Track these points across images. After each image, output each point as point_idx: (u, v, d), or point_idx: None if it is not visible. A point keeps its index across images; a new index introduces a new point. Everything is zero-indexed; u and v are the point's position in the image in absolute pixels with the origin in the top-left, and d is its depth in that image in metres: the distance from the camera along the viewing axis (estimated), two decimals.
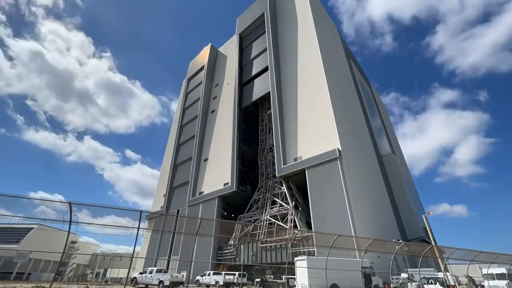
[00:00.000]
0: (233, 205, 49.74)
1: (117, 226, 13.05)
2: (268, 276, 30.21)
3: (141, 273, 24.82)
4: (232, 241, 39.00)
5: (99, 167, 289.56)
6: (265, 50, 53.18)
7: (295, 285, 20.65)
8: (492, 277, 25.68)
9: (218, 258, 39.92)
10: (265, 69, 51.44)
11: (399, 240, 26.89)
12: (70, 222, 11.52)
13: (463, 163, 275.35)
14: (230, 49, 67.78)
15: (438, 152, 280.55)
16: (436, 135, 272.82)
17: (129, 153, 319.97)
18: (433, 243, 27.01)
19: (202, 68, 72.55)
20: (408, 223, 42.28)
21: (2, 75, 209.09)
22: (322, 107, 37.65)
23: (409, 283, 21.44)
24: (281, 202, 38.74)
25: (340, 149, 32.53)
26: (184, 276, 23.83)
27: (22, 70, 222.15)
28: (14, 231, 56.65)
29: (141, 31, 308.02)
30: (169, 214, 53.39)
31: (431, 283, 20.79)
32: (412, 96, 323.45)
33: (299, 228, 33.09)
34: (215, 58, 74.00)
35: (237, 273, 26.44)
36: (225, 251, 39.85)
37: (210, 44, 75.30)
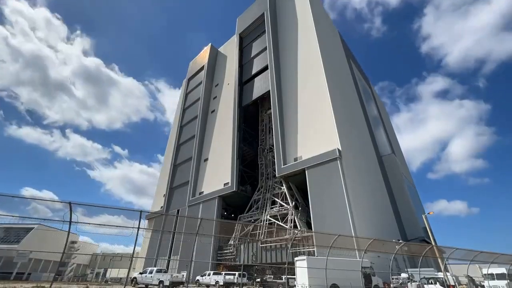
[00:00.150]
0: (233, 205, 49.74)
1: (117, 226, 13.06)
2: (268, 276, 30.21)
3: (141, 273, 24.81)
4: (232, 241, 39.00)
5: (87, 163, 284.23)
6: (265, 49, 53.21)
7: (295, 285, 20.64)
8: (492, 277, 25.67)
9: (218, 258, 39.91)
10: (265, 68, 51.45)
11: (399, 240, 26.89)
12: (70, 222, 11.52)
13: (461, 157, 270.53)
14: (230, 49, 67.78)
15: (434, 146, 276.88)
16: (432, 127, 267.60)
17: (117, 149, 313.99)
18: (433, 243, 27.00)
19: (202, 68, 72.56)
20: (408, 223, 42.28)
21: None
22: (322, 107, 37.64)
23: (409, 283, 21.43)
24: (281, 202, 38.73)
25: (340, 149, 32.53)
26: (184, 276, 23.82)
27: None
28: (14, 231, 56.66)
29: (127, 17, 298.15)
30: (169, 214, 53.39)
31: (431, 283, 20.78)
32: (403, 84, 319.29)
33: (299, 228, 33.08)
34: (215, 58, 74.01)
35: (237, 273, 26.43)
36: (225, 251, 39.85)
37: (210, 44, 75.32)
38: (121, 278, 55.85)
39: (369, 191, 36.87)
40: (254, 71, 55.44)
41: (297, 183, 38.37)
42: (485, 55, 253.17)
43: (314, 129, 37.68)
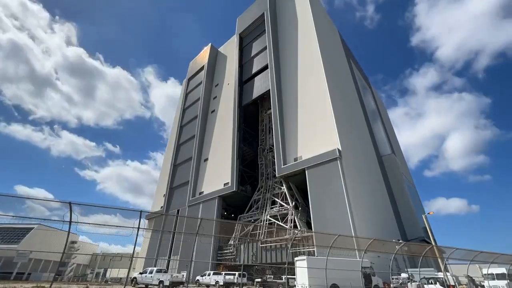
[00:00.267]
0: (233, 205, 49.73)
1: (117, 226, 13.07)
2: (268, 276, 30.21)
3: (141, 273, 24.81)
4: (232, 241, 39.00)
5: (80, 161, 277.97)
6: (265, 48, 53.26)
7: (295, 285, 20.64)
8: (492, 277, 25.67)
9: (218, 258, 39.91)
10: (265, 67, 51.49)
11: (399, 240, 26.89)
12: (70, 222, 11.52)
13: (460, 153, 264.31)
14: (230, 49, 67.78)
15: (432, 142, 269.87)
16: (428, 123, 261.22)
17: (109, 146, 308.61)
18: (433, 243, 26.99)
19: (202, 68, 72.57)
20: (408, 223, 42.28)
21: None
22: (322, 107, 37.65)
23: (409, 283, 21.43)
24: (281, 202, 38.73)
25: (340, 149, 32.53)
26: (184, 276, 23.82)
27: None
28: (14, 231, 56.65)
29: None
30: (169, 214, 53.39)
31: (431, 283, 20.78)
32: (396, 76, 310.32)
33: (299, 228, 33.08)
34: (215, 58, 74.02)
35: (237, 273, 26.43)
36: (225, 251, 39.85)
37: (210, 44, 75.33)
38: (121, 278, 55.85)
39: (369, 191, 36.87)
40: (254, 70, 55.47)
41: (297, 183, 38.37)
42: (481, 45, 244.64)
43: (314, 129, 37.68)
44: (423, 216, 28.83)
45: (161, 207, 59.12)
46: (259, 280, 27.11)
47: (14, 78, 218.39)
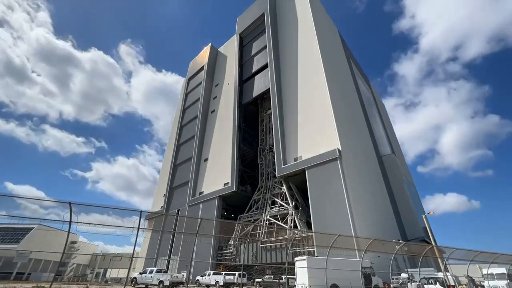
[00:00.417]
0: (233, 205, 49.73)
1: (117, 226, 13.07)
2: (268, 276, 30.20)
3: (141, 273, 24.81)
4: (232, 241, 39.00)
5: (68, 157, 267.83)
6: (265, 47, 53.33)
7: (295, 285, 20.64)
8: (492, 277, 25.69)
9: (218, 258, 39.92)
10: (266, 66, 51.51)
11: (399, 240, 26.89)
12: (70, 222, 11.52)
13: (457, 147, 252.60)
14: (230, 49, 67.80)
15: (428, 135, 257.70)
16: (423, 114, 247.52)
17: (93, 140, 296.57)
18: (433, 243, 27.00)
19: (202, 68, 72.59)
20: (408, 223, 42.28)
21: None
22: (322, 107, 37.66)
23: (409, 283, 21.43)
24: (281, 202, 38.74)
25: (340, 149, 32.53)
26: (184, 276, 23.83)
27: None
28: (14, 231, 56.66)
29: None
30: (169, 214, 53.39)
31: (431, 283, 20.78)
32: (388, 64, 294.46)
33: (299, 228, 33.09)
34: (215, 58, 74.04)
35: (237, 273, 26.43)
36: (225, 251, 39.85)
37: (210, 44, 75.35)
38: (121, 278, 55.87)
39: (369, 191, 36.87)
40: (254, 69, 55.54)
41: (297, 183, 38.37)
42: (474, 29, 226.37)
43: (314, 129, 37.68)
44: (423, 216, 28.84)
45: (161, 207, 59.12)
46: (259, 280, 27.12)
47: None
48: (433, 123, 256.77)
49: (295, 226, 34.17)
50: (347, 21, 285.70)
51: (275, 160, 40.06)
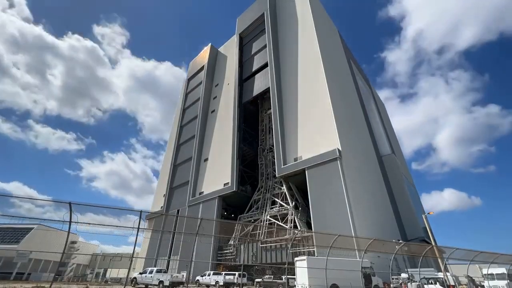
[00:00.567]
0: (233, 205, 49.74)
1: (117, 227, 13.07)
2: (268, 276, 30.21)
3: (141, 273, 24.81)
4: (232, 241, 39.00)
5: (58, 153, 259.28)
6: (265, 46, 53.38)
7: (295, 285, 20.65)
8: (492, 277, 25.68)
9: (218, 258, 39.92)
10: (266, 65, 51.53)
11: (399, 240, 26.90)
12: (70, 222, 11.53)
13: (454, 143, 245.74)
14: (230, 49, 67.82)
15: (424, 129, 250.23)
16: (420, 107, 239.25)
17: (80, 135, 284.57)
18: (433, 243, 27.00)
19: (202, 68, 72.60)
20: (408, 223, 42.28)
21: None
22: (322, 107, 37.65)
23: (409, 283, 21.44)
24: (281, 202, 38.73)
25: (340, 149, 32.53)
26: (184, 276, 23.83)
27: None
28: (14, 231, 56.67)
29: None
30: (169, 214, 53.39)
31: (431, 283, 20.78)
32: (380, 52, 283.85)
33: (299, 228, 33.08)
34: (215, 58, 74.06)
35: (237, 273, 26.43)
36: (225, 251, 39.85)
37: (210, 44, 75.38)
38: (121, 278, 55.88)
39: (369, 191, 36.87)
40: (254, 68, 55.60)
41: (297, 183, 38.37)
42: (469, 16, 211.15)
43: (314, 129, 37.68)
44: (423, 216, 28.83)
45: (161, 207, 59.12)
46: (259, 280, 27.12)
47: None
48: (430, 116, 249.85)
49: (295, 226, 34.17)
50: (337, 8, 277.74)
51: (275, 160, 40.06)
